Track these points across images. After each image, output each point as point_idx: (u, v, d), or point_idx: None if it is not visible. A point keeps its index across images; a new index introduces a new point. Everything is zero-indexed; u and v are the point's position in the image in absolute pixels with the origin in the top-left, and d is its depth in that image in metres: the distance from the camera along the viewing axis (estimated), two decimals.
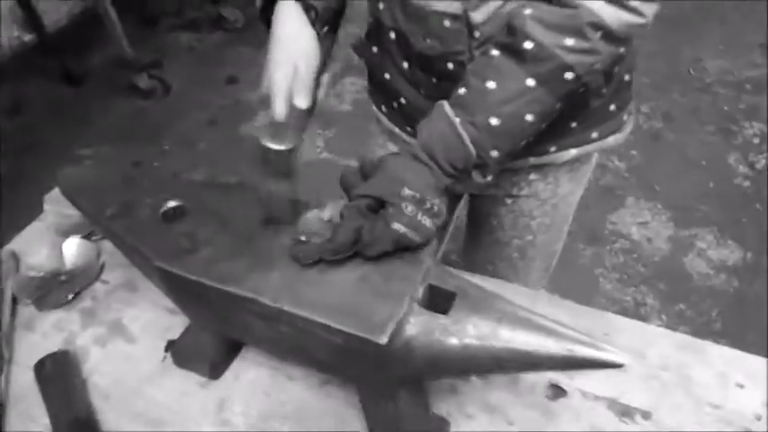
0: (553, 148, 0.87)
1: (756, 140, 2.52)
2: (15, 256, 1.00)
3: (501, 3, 0.72)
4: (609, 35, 0.65)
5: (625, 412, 0.77)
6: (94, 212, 0.80)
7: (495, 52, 0.68)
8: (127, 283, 0.97)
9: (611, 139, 0.90)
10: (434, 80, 0.82)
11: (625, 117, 0.90)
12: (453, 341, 0.61)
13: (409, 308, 0.63)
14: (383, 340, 0.59)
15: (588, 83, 0.67)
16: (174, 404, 0.81)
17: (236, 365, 0.85)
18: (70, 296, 0.94)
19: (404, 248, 0.66)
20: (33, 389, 0.81)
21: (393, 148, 1.04)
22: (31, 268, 0.95)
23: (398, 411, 0.71)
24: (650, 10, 0.65)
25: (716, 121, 2.62)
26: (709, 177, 2.38)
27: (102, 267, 0.99)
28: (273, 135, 0.70)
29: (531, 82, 0.66)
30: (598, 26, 0.64)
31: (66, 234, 0.99)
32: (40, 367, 0.82)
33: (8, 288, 0.94)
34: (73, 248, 0.97)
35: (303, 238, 0.68)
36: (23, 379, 0.83)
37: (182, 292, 0.74)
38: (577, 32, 0.64)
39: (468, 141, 0.66)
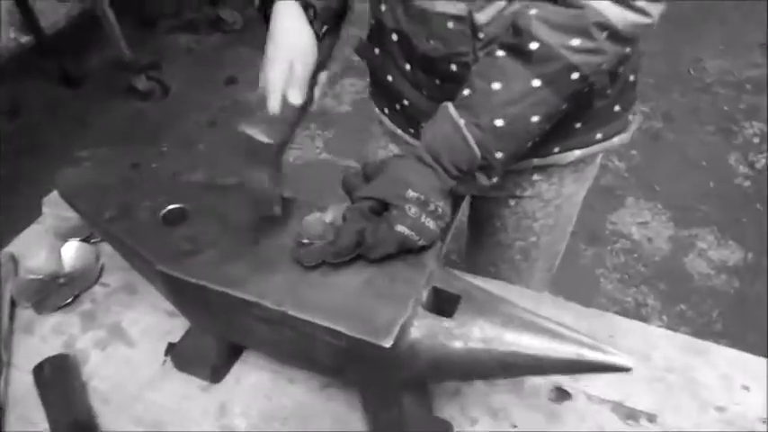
0: (557, 149, 0.87)
1: (756, 140, 2.52)
2: (14, 259, 0.99)
3: (505, 3, 0.71)
4: (615, 35, 0.64)
5: (630, 415, 0.76)
6: (94, 215, 0.79)
7: (500, 53, 0.67)
8: (126, 286, 0.96)
9: (615, 140, 0.89)
10: (437, 82, 0.81)
11: (630, 117, 0.90)
12: (458, 345, 0.61)
13: (413, 311, 0.62)
14: (388, 343, 0.58)
15: (594, 83, 0.67)
16: (174, 408, 0.80)
17: (237, 369, 0.84)
18: (69, 299, 0.93)
19: (407, 251, 0.65)
20: (32, 392, 0.80)
21: (395, 149, 1.03)
22: (29, 271, 0.94)
23: (402, 415, 0.70)
24: (656, 10, 0.65)
25: (716, 121, 2.62)
26: (709, 177, 2.37)
27: (102, 270, 0.98)
28: (261, 127, 0.69)
29: (536, 83, 0.65)
30: (604, 26, 0.63)
31: (64, 237, 0.99)
32: (39, 371, 0.82)
33: (7, 291, 0.93)
34: (72, 251, 0.96)
35: (305, 241, 0.67)
36: (22, 382, 0.83)
37: (182, 295, 0.73)
38: (583, 33, 0.63)
39: (472, 143, 0.66)
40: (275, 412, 0.79)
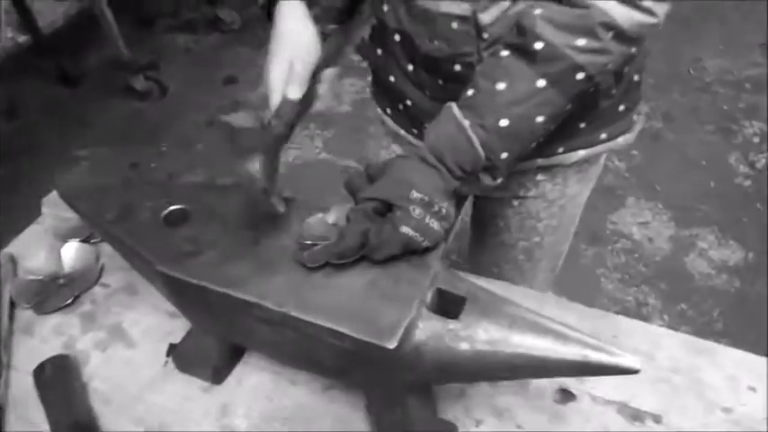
0: (561, 150, 0.86)
1: (756, 140, 2.52)
2: (13, 260, 0.98)
3: (509, 3, 0.71)
4: (620, 35, 0.63)
5: (635, 416, 0.76)
6: (94, 216, 0.78)
7: (504, 53, 0.66)
8: (127, 287, 0.95)
9: (620, 140, 0.89)
10: (441, 82, 0.80)
11: (634, 117, 0.89)
12: (464, 347, 0.60)
13: (418, 312, 0.61)
14: (392, 345, 0.58)
15: (599, 83, 0.66)
16: (175, 409, 0.80)
17: (239, 370, 0.83)
18: (69, 300, 0.93)
19: (411, 252, 0.65)
20: (33, 394, 0.80)
21: (397, 149, 1.03)
22: (29, 272, 0.93)
23: (406, 416, 0.70)
24: (662, 10, 0.64)
25: (716, 121, 2.62)
26: (709, 177, 2.37)
27: (102, 270, 0.98)
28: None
29: (541, 83, 0.64)
30: (610, 26, 0.63)
31: (64, 238, 0.98)
32: (39, 372, 0.81)
33: (6, 292, 0.93)
34: (72, 252, 0.95)
35: (308, 243, 0.66)
36: (23, 384, 0.82)
37: (184, 296, 0.72)
38: (589, 32, 0.63)
39: (477, 144, 0.65)
40: (277, 414, 0.78)
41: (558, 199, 0.96)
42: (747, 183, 2.34)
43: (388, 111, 0.97)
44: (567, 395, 0.78)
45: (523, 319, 0.62)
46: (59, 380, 0.80)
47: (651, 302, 1.97)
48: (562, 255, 1.10)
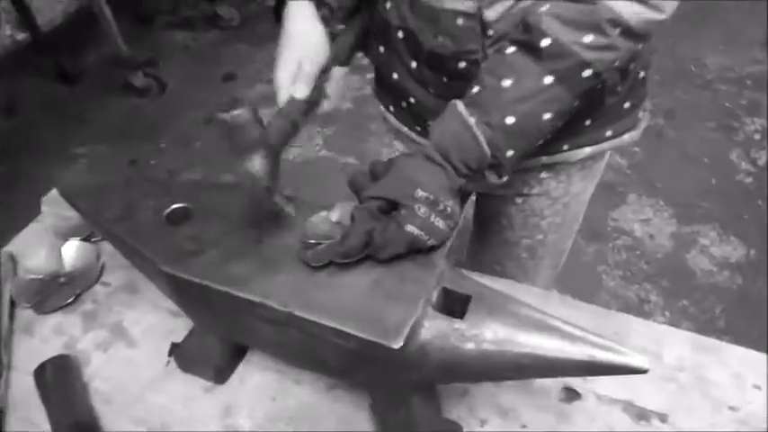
0: (566, 147, 0.85)
1: (758, 136, 2.51)
2: (13, 259, 0.97)
3: (515, 0, 0.70)
4: (628, 31, 0.63)
5: (641, 415, 0.76)
6: (95, 215, 0.78)
7: (510, 50, 0.66)
8: (128, 285, 0.95)
9: (625, 137, 0.88)
10: (444, 79, 0.80)
11: (640, 114, 0.89)
12: (470, 346, 0.60)
13: (423, 312, 0.61)
14: (397, 345, 0.57)
15: (606, 80, 0.66)
16: (178, 409, 0.79)
17: (242, 369, 0.83)
18: (70, 299, 0.92)
19: (416, 251, 0.64)
20: (33, 394, 0.79)
21: (400, 146, 1.02)
22: (29, 271, 0.93)
23: (410, 416, 0.69)
24: (669, 6, 0.64)
25: (717, 118, 2.61)
26: (710, 174, 2.37)
27: (103, 269, 0.97)
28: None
29: (548, 79, 0.64)
30: (617, 22, 0.62)
31: (65, 236, 0.97)
32: (40, 372, 0.80)
33: (6, 291, 0.92)
34: (72, 250, 0.95)
35: (311, 241, 0.66)
36: (23, 384, 0.81)
37: (186, 295, 0.72)
38: (596, 29, 0.62)
39: (482, 141, 0.65)
40: (280, 413, 0.78)
41: (562, 196, 0.95)
42: (749, 180, 2.34)
43: (391, 108, 0.96)
44: (571, 394, 0.78)
45: (530, 318, 0.61)
46: (60, 380, 0.80)
47: (653, 299, 1.96)
48: (565, 253, 1.10)
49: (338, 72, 0.78)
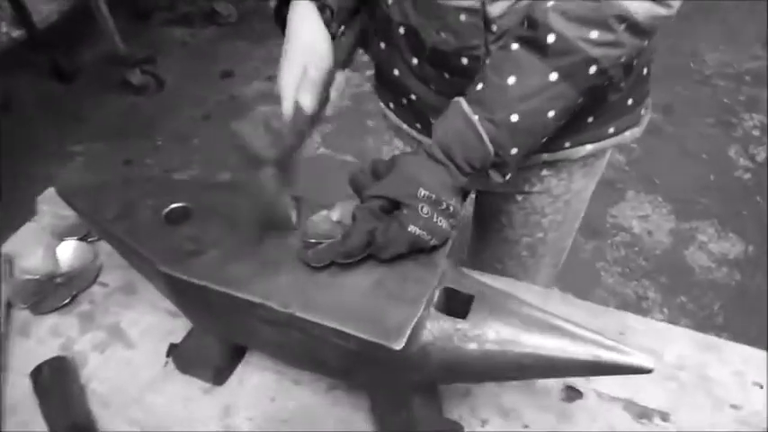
0: (568, 144, 0.85)
1: (756, 132, 2.51)
2: (9, 259, 0.96)
3: None
4: (634, 27, 0.62)
5: (642, 413, 0.75)
6: (93, 214, 0.77)
7: (515, 46, 0.65)
8: (126, 286, 0.94)
9: (627, 134, 0.87)
10: (446, 76, 0.79)
11: (642, 111, 0.88)
12: (472, 347, 0.59)
13: (425, 312, 0.60)
14: (399, 345, 0.57)
15: (612, 77, 0.65)
16: (176, 411, 0.78)
17: (241, 370, 0.82)
18: (67, 300, 0.91)
19: (418, 250, 0.64)
20: (30, 397, 0.78)
21: (399, 144, 1.01)
22: (25, 271, 0.92)
23: (411, 417, 0.69)
24: (677, 1, 0.63)
25: (716, 114, 2.61)
26: (709, 170, 2.37)
27: (100, 269, 0.96)
28: (260, 133, 0.68)
29: (553, 76, 0.63)
30: (623, 18, 0.61)
31: (61, 236, 0.97)
32: (36, 374, 0.80)
33: (2, 292, 0.91)
34: (69, 250, 0.94)
35: (313, 240, 0.65)
36: (20, 386, 0.80)
37: (186, 296, 0.71)
38: (602, 25, 0.61)
39: (486, 140, 0.64)
40: (280, 415, 0.77)
41: (564, 194, 0.94)
42: (747, 176, 2.34)
43: (391, 105, 0.96)
44: (573, 392, 0.77)
45: (533, 317, 0.61)
46: (57, 382, 0.79)
47: (651, 296, 1.96)
48: (565, 251, 1.09)
49: (340, 79, 0.77)
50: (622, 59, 0.64)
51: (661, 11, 0.62)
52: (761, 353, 0.81)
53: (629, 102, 0.84)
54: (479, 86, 0.66)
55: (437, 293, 0.63)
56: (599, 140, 0.86)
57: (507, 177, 0.68)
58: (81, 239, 0.97)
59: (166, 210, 0.74)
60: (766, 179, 2.30)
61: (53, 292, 0.91)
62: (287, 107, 0.69)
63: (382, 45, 0.86)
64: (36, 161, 2.49)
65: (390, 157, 0.66)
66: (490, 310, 0.61)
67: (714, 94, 2.71)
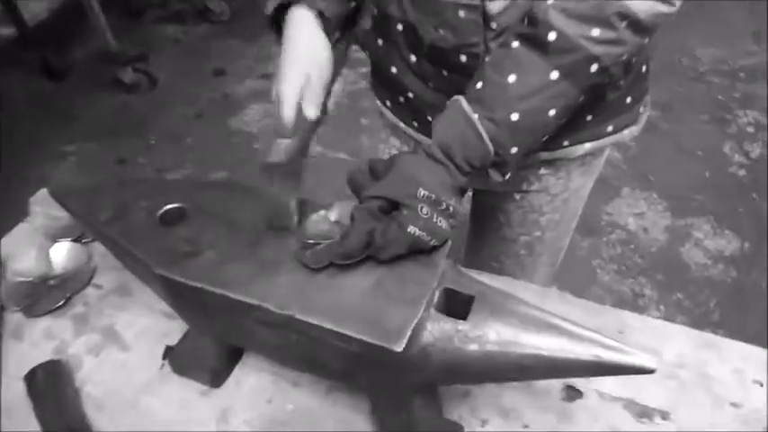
0: (567, 143, 0.84)
1: (751, 129, 2.52)
2: (1, 261, 0.95)
3: None
4: (635, 24, 0.61)
5: (643, 413, 0.75)
6: (87, 216, 0.76)
7: (515, 44, 0.64)
8: (120, 287, 0.93)
9: (626, 133, 0.87)
10: (445, 73, 0.78)
11: (641, 109, 0.88)
12: (473, 348, 0.58)
13: (426, 313, 0.59)
14: (399, 347, 0.56)
15: (613, 75, 0.64)
16: (173, 414, 0.78)
17: (238, 372, 0.81)
18: (60, 302, 0.90)
19: (418, 251, 0.63)
20: (24, 400, 0.77)
21: (396, 142, 1.01)
22: (18, 273, 0.90)
23: (412, 418, 0.68)
24: None
25: (710, 111, 2.62)
26: (704, 167, 2.37)
27: (94, 271, 0.95)
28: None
29: (554, 75, 0.62)
30: (625, 15, 0.61)
31: (54, 237, 0.95)
32: (30, 378, 0.79)
33: None
34: (62, 252, 0.93)
35: (311, 241, 0.64)
36: (13, 390, 0.79)
37: (182, 298, 0.70)
38: (603, 22, 0.61)
39: (486, 139, 0.63)
40: (278, 417, 0.76)
41: (562, 193, 0.94)
42: (742, 172, 2.34)
43: (388, 103, 0.95)
44: (573, 392, 0.77)
45: (533, 317, 0.60)
46: (51, 386, 0.78)
47: (647, 293, 1.96)
48: (563, 250, 1.09)
49: (337, 87, 0.76)
50: (623, 57, 0.64)
51: (663, 8, 0.62)
52: (760, 351, 0.81)
53: (628, 100, 0.84)
54: (479, 85, 0.65)
55: (437, 294, 0.62)
56: (597, 139, 0.85)
57: (507, 177, 0.68)
58: (75, 241, 0.96)
59: (161, 211, 0.73)
60: (762, 176, 2.30)
61: (46, 295, 0.90)
62: (288, 114, 0.68)
63: (380, 42, 0.85)
64: (28, 161, 2.46)
65: (389, 157, 0.66)
66: (490, 310, 0.60)
67: (709, 91, 2.72)
